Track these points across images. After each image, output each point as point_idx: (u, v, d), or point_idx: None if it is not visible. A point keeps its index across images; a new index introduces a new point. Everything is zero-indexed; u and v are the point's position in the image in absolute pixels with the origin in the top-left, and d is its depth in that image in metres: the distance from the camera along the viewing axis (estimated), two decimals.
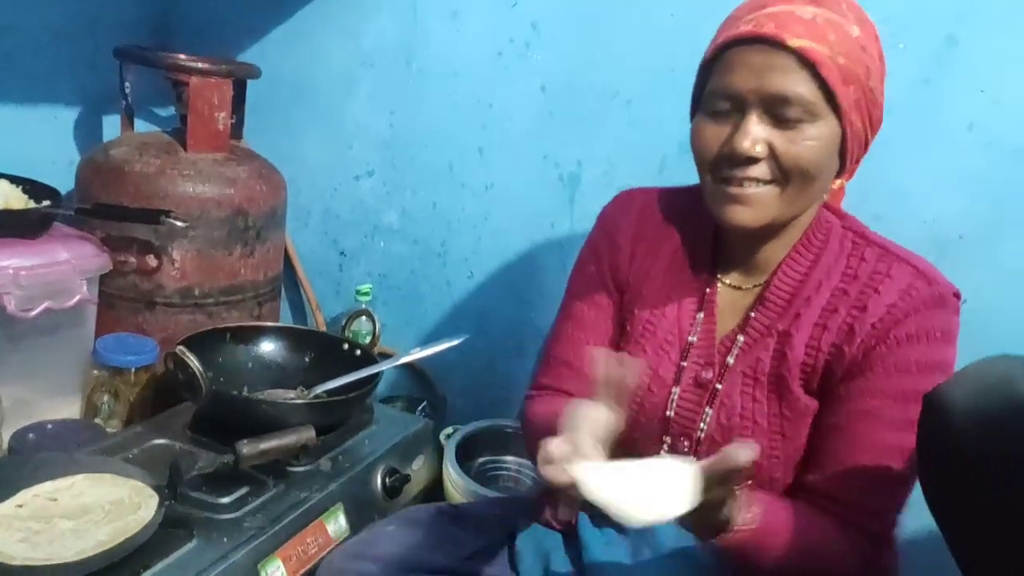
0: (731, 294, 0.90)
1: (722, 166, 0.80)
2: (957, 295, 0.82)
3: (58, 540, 0.82)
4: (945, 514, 0.66)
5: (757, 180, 0.79)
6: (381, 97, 1.57)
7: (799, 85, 0.75)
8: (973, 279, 1.13)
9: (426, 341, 1.27)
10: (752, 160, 0.78)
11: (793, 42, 0.74)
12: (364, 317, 1.59)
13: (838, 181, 0.86)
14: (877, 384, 0.79)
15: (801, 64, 0.75)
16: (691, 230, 0.94)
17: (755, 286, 0.89)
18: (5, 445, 1.13)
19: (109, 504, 0.88)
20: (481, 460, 1.48)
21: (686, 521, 0.67)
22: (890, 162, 1.10)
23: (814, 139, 0.77)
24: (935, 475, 0.67)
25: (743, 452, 0.62)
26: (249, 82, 1.54)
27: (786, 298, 0.86)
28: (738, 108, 0.78)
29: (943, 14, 1.10)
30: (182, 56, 1.40)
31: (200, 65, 1.39)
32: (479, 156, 1.50)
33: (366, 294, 1.59)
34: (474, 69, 1.46)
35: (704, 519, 0.69)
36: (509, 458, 1.50)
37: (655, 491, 0.66)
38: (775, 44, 0.75)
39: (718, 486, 0.65)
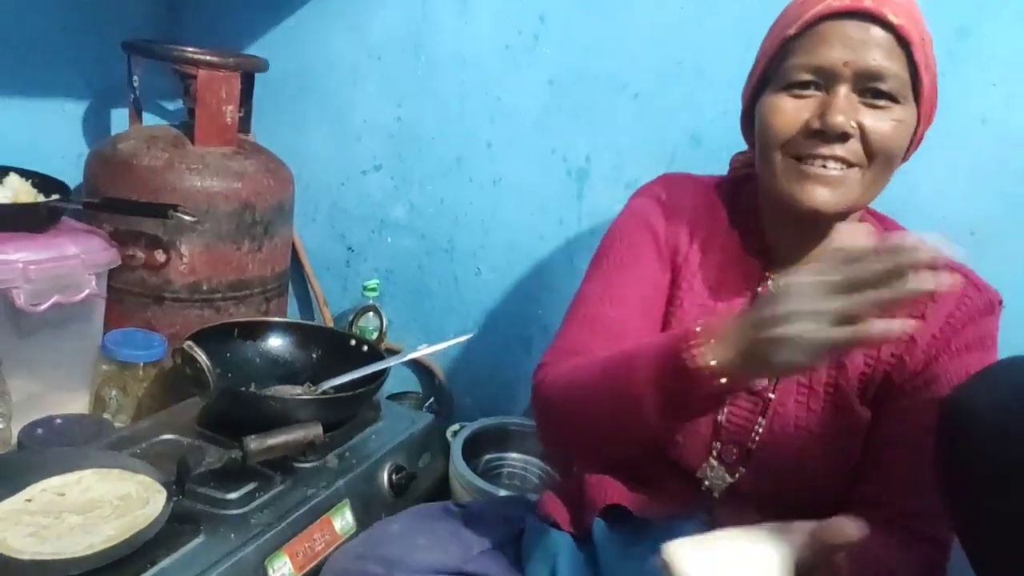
0: None
1: (803, 144, 0.77)
2: (1001, 301, 0.82)
3: (66, 535, 0.82)
4: (964, 519, 0.65)
5: (842, 160, 0.76)
6: (389, 90, 1.56)
7: (895, 63, 0.74)
8: (985, 276, 1.12)
9: (433, 337, 1.26)
10: (844, 136, 0.75)
11: (894, 19, 0.73)
12: (371, 313, 1.59)
13: None
14: (938, 396, 0.76)
15: (898, 43, 0.74)
16: (739, 223, 0.90)
17: None
18: (14, 439, 1.13)
19: (117, 499, 0.88)
20: (487, 457, 1.48)
21: None
22: None
23: (900, 120, 0.76)
24: (955, 479, 0.66)
25: (850, 527, 0.55)
26: (257, 76, 1.54)
27: None
28: (825, 84, 0.76)
29: (955, 7, 1.09)
30: (190, 49, 1.39)
31: (208, 58, 1.39)
32: (487, 150, 1.49)
33: (373, 290, 1.59)
34: (482, 62, 1.45)
35: None
36: (515, 455, 1.50)
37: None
38: (875, 20, 0.73)
39: (820, 567, 0.57)
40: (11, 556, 0.78)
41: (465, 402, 1.61)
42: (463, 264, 1.57)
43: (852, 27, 0.74)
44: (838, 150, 0.75)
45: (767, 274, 0.88)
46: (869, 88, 0.75)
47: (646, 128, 1.34)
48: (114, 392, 1.27)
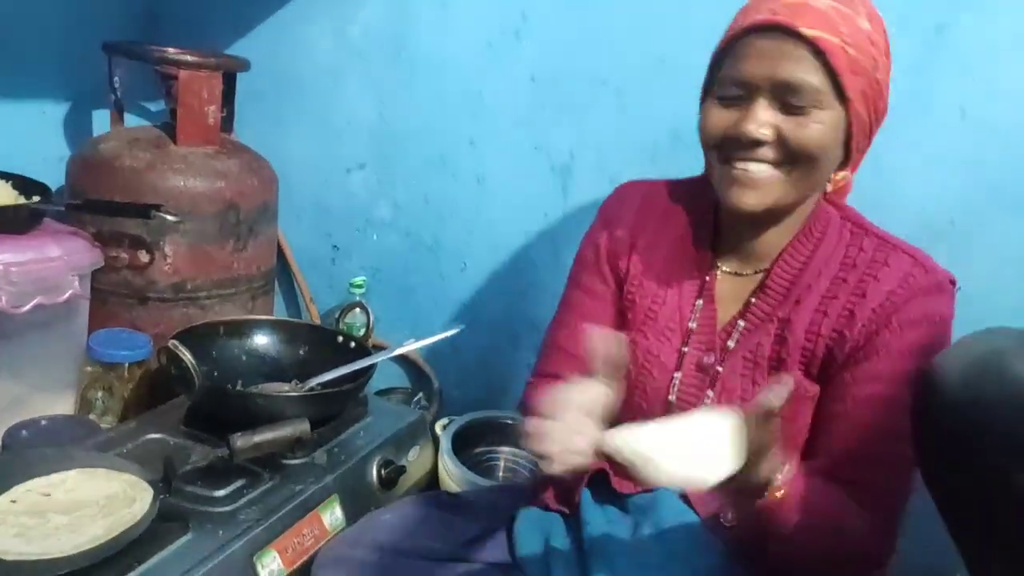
0: (731, 281, 0.92)
1: (728, 148, 0.83)
2: (953, 282, 0.84)
3: (52, 535, 0.81)
4: (939, 487, 0.67)
5: (762, 161, 0.81)
6: (371, 89, 1.56)
7: (809, 73, 0.77)
8: (966, 265, 1.13)
9: (420, 333, 1.26)
10: (757, 143, 0.80)
11: (806, 31, 0.76)
12: (358, 310, 1.59)
13: (842, 173, 0.87)
14: (881, 369, 0.81)
15: (813, 53, 0.77)
16: (692, 219, 0.96)
17: (755, 272, 0.91)
18: None
19: (103, 498, 0.88)
20: (477, 451, 1.48)
21: (730, 484, 0.67)
22: (882, 148, 1.09)
23: (819, 122, 0.79)
24: (928, 448, 0.68)
25: (776, 391, 0.64)
26: (238, 75, 1.53)
27: (786, 285, 0.88)
28: (748, 94, 0.80)
29: (934, 3, 1.10)
30: (171, 50, 1.39)
31: (189, 58, 1.38)
32: (470, 147, 1.49)
33: (360, 287, 1.59)
34: (464, 59, 1.46)
35: (747, 479, 0.69)
36: (504, 449, 1.51)
37: (700, 449, 0.65)
38: (789, 32, 0.77)
39: (757, 434, 0.66)
40: None
41: (453, 397, 1.61)
42: (448, 261, 1.57)
43: (767, 42, 0.79)
44: (756, 152, 0.81)
45: (717, 265, 0.93)
46: (785, 99, 0.79)
47: (629, 124, 1.35)
48: (100, 393, 1.27)
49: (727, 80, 0.82)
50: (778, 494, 0.73)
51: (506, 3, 1.40)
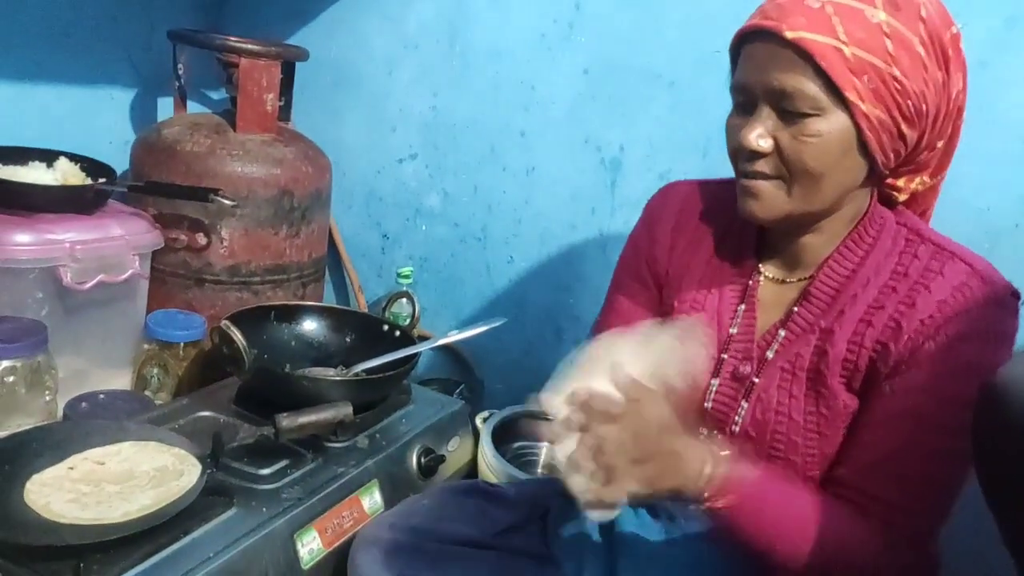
0: (774, 288, 0.88)
1: (738, 159, 0.81)
2: (1016, 295, 0.79)
3: (104, 502, 0.85)
4: (1001, 506, 0.62)
5: (763, 175, 0.79)
6: (424, 80, 1.58)
7: (799, 80, 0.73)
8: None
9: (465, 325, 1.28)
10: (756, 154, 0.77)
11: (789, 34, 0.72)
12: (404, 299, 1.61)
13: (918, 179, 0.83)
14: (924, 382, 0.76)
15: (801, 57, 0.73)
16: (734, 222, 0.92)
17: (800, 280, 0.87)
18: (60, 412, 1.18)
19: (154, 470, 0.91)
20: (516, 445, 1.48)
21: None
22: None
23: (818, 135, 0.74)
24: (990, 463, 0.63)
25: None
26: (297, 65, 1.56)
27: (831, 294, 0.83)
28: (752, 102, 0.78)
29: None
30: (232, 38, 1.42)
31: (250, 47, 1.42)
32: (521, 139, 1.49)
33: (407, 277, 1.61)
34: (517, 51, 1.46)
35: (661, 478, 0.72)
36: (544, 444, 1.51)
37: None
38: (774, 37, 0.74)
39: None
40: (53, 520, 0.81)
41: (496, 390, 1.62)
42: (496, 252, 1.58)
43: (759, 47, 0.76)
44: (757, 165, 0.78)
45: (759, 270, 0.90)
46: (781, 106, 0.75)
47: (680, 119, 1.33)
48: (155, 370, 1.31)
49: (733, 89, 0.81)
50: (720, 502, 0.72)
51: None
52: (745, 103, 0.79)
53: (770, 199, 0.79)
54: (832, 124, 0.74)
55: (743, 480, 0.74)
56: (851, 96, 0.73)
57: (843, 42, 0.72)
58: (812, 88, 0.73)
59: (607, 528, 0.90)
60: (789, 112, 0.75)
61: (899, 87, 0.74)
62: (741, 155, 0.79)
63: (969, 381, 0.73)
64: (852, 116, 0.74)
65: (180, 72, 1.52)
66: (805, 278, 0.86)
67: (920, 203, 0.88)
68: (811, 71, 0.73)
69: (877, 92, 0.73)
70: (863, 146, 0.76)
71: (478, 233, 1.59)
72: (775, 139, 0.76)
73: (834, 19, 0.72)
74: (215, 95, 1.77)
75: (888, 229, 0.84)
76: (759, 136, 0.77)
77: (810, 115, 0.74)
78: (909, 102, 0.75)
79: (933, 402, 0.76)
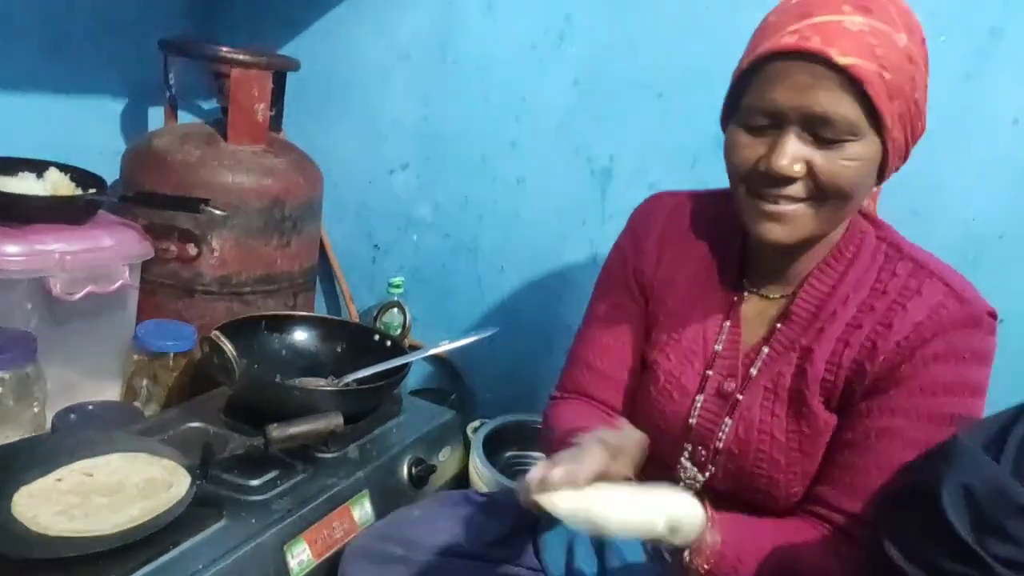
0: (759, 304, 0.88)
1: (757, 181, 0.77)
2: (992, 315, 0.78)
3: (93, 514, 0.85)
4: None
5: (792, 198, 0.76)
6: (416, 90, 1.59)
7: (844, 105, 0.71)
8: (1014, 281, 1.11)
9: (456, 335, 1.28)
10: (789, 180, 0.75)
11: (840, 59, 0.69)
12: (395, 309, 1.61)
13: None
14: (900, 403, 0.76)
15: (848, 83, 0.70)
16: (721, 237, 0.91)
17: (783, 296, 0.86)
18: (48, 424, 1.17)
19: (143, 482, 0.91)
20: (507, 454, 1.48)
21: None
22: (929, 158, 1.07)
23: (854, 158, 0.73)
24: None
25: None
26: (288, 75, 1.57)
27: (812, 311, 0.83)
28: (777, 124, 0.75)
29: (988, 6, 1.08)
30: (224, 48, 1.42)
31: (241, 57, 1.42)
32: (511, 149, 1.50)
33: (398, 287, 1.61)
34: (508, 62, 1.47)
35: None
36: (536, 453, 1.51)
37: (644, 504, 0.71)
38: (821, 60, 0.70)
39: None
40: (41, 532, 0.81)
41: (486, 399, 1.62)
42: (487, 263, 1.58)
43: (798, 68, 0.72)
44: (787, 189, 0.75)
45: (745, 287, 0.89)
46: (817, 130, 0.73)
47: (670, 129, 1.34)
48: (145, 381, 1.31)
49: (754, 108, 0.75)
50: (703, 569, 0.73)
51: (550, 6, 1.40)
52: (767, 125, 0.75)
53: (798, 222, 0.77)
54: (868, 148, 0.74)
55: (716, 543, 0.74)
56: (887, 122, 0.72)
57: (883, 67, 0.71)
58: (855, 113, 0.71)
59: (597, 541, 0.90)
60: (825, 137, 0.73)
61: (916, 110, 0.75)
62: (765, 179, 0.76)
63: (944, 400, 0.75)
64: (882, 140, 0.74)
65: (171, 82, 1.53)
66: (788, 295, 0.86)
67: (867, 205, 0.88)
68: (855, 96, 0.71)
69: (903, 116, 0.74)
70: (880, 167, 0.77)
71: (469, 243, 1.59)
72: (807, 163, 0.74)
73: (873, 43, 0.71)
74: (206, 105, 1.77)
75: (868, 243, 0.83)
76: (793, 160, 0.74)
77: (845, 140, 0.73)
78: (918, 124, 0.76)
79: (909, 421, 0.76)
